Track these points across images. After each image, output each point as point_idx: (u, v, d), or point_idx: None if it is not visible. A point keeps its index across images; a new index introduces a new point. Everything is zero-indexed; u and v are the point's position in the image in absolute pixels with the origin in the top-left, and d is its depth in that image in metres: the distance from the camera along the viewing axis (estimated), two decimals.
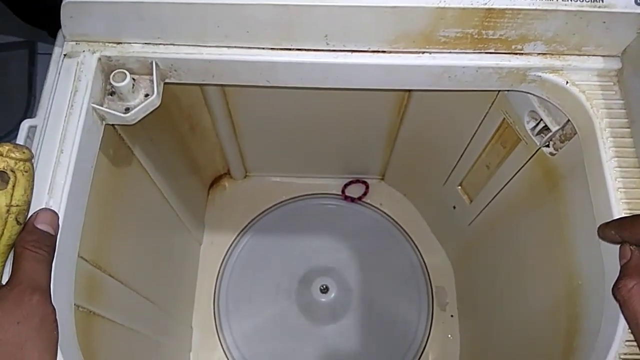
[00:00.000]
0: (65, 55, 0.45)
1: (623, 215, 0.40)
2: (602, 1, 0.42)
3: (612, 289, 0.33)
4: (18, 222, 0.36)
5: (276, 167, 1.00)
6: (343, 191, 1.01)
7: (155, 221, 0.74)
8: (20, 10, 1.31)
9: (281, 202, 1.00)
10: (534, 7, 0.41)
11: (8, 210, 0.35)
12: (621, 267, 0.35)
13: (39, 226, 0.37)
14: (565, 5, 0.41)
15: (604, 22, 0.43)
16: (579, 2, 0.41)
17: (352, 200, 1.00)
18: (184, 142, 0.81)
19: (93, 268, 0.51)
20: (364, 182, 1.01)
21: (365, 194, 1.01)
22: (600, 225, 0.38)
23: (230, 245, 0.95)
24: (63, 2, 0.42)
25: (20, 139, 0.43)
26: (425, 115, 0.73)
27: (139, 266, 0.66)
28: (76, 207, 0.42)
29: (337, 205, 1.00)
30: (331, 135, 0.86)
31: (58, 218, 0.38)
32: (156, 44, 0.46)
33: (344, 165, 0.98)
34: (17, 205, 0.36)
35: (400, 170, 0.95)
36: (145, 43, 0.46)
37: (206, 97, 0.74)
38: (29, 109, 1.39)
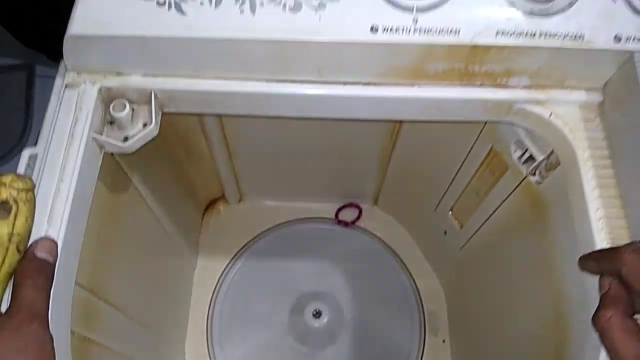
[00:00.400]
0: (66, 85, 0.47)
1: (605, 244, 0.42)
2: (583, 38, 0.43)
3: (592, 318, 0.34)
4: (18, 251, 0.37)
5: (271, 191, 1.01)
6: (336, 215, 1.02)
7: (150, 246, 0.75)
8: (19, 33, 1.33)
9: (275, 226, 1.01)
10: (517, 45, 0.43)
11: (9, 239, 0.36)
12: (600, 297, 0.36)
13: (38, 255, 0.38)
14: (548, 42, 0.43)
15: (585, 58, 0.45)
16: (560, 39, 0.43)
17: (346, 224, 1.01)
18: (180, 167, 0.82)
19: (88, 294, 0.52)
20: (357, 207, 1.02)
21: (358, 218, 1.02)
22: (581, 257, 0.39)
23: (224, 270, 0.95)
24: (66, 35, 0.44)
25: (21, 168, 0.44)
26: (417, 142, 0.75)
27: (133, 292, 0.67)
28: (74, 235, 0.43)
29: (331, 230, 1.01)
30: (325, 161, 0.87)
31: (57, 246, 0.39)
32: (155, 75, 0.47)
33: (337, 189, 1.00)
34: (18, 234, 0.37)
35: (392, 195, 0.97)
36: (145, 74, 0.47)
37: (202, 122, 0.75)
38: (25, 132, 1.40)
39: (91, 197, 0.46)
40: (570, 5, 0.43)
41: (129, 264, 0.65)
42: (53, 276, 0.38)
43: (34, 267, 0.37)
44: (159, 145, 0.65)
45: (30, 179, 0.38)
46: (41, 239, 0.39)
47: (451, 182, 0.76)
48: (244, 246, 0.98)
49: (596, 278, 0.38)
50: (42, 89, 1.43)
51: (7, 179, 0.37)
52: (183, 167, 0.84)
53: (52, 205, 0.41)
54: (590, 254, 0.39)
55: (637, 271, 0.33)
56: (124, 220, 0.62)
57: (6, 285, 0.37)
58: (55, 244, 0.40)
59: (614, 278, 0.35)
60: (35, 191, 0.41)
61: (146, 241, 0.73)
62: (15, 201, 0.37)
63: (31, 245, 0.39)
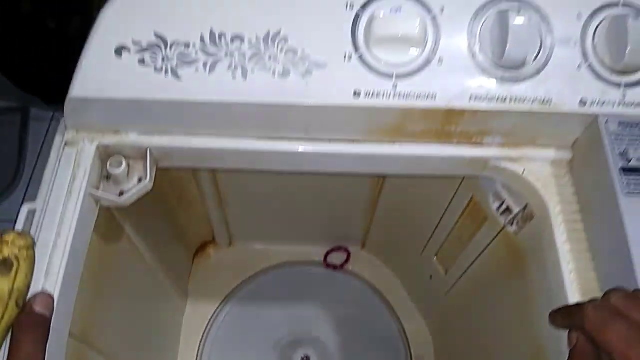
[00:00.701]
0: (66, 143, 0.49)
1: (576, 297, 0.44)
2: (551, 103, 0.47)
3: None
4: (17, 306, 0.38)
5: (261, 235, 1.03)
6: (325, 259, 1.03)
7: (141, 292, 0.76)
8: (16, 76, 1.36)
9: (265, 269, 1.02)
10: (489, 108, 0.46)
11: (9, 295, 0.37)
12: (569, 352, 0.38)
13: (36, 309, 0.39)
14: (518, 106, 0.46)
15: (553, 121, 0.48)
16: (530, 103, 0.47)
17: (334, 268, 1.03)
18: (171, 212, 0.84)
19: (80, 344, 0.53)
20: (346, 250, 1.04)
21: (347, 261, 1.03)
22: (550, 313, 0.41)
23: (213, 314, 0.96)
24: (67, 98, 0.46)
25: (20, 222, 0.46)
26: (401, 191, 0.77)
27: (123, 338, 0.68)
28: (69, 289, 0.45)
29: (319, 273, 1.02)
30: (314, 207, 0.90)
31: (53, 301, 0.41)
32: (151, 133, 0.50)
33: (326, 233, 1.02)
34: (18, 290, 0.38)
35: (380, 239, 0.99)
36: (141, 132, 0.50)
37: (195, 170, 0.78)
38: (18, 173, 1.41)
39: (86, 251, 0.48)
40: (538, 72, 0.46)
41: (119, 311, 0.66)
42: (49, 330, 0.39)
43: (32, 322, 0.38)
44: (152, 193, 0.67)
45: (31, 236, 0.40)
46: (39, 293, 0.41)
47: (435, 229, 0.79)
48: (233, 290, 0.99)
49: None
50: (37, 131, 1.45)
51: (10, 237, 0.38)
52: (174, 212, 0.85)
53: (50, 260, 0.43)
54: (558, 310, 0.41)
55: (599, 326, 0.35)
56: (116, 269, 0.63)
57: (4, 339, 0.38)
58: (52, 298, 0.41)
59: (581, 333, 0.37)
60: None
61: (137, 287, 0.74)
62: (17, 258, 0.38)
63: (29, 299, 0.40)
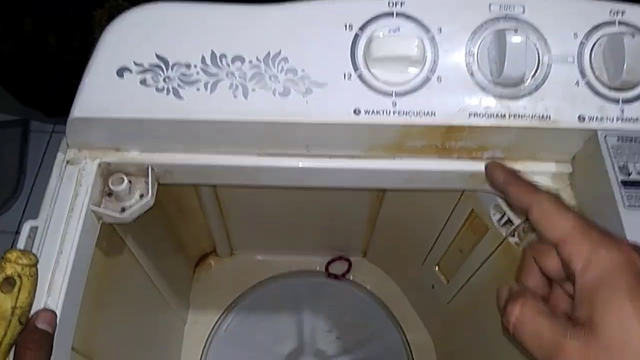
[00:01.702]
0: (67, 161, 0.49)
1: None
2: (549, 119, 0.47)
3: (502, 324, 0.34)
4: (20, 323, 0.39)
5: (262, 245, 1.03)
6: (327, 268, 1.04)
7: (142, 304, 0.76)
8: (16, 90, 1.36)
9: (266, 279, 1.02)
10: (488, 125, 0.46)
11: (12, 312, 0.38)
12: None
13: (39, 326, 0.40)
14: (517, 122, 0.47)
15: (552, 136, 0.48)
16: (529, 120, 0.47)
17: (336, 277, 1.03)
18: (172, 224, 0.84)
19: (83, 358, 0.53)
20: (347, 260, 1.04)
21: (348, 270, 1.04)
22: (491, 164, 0.43)
23: (215, 325, 0.96)
24: (69, 118, 0.47)
25: (22, 239, 0.46)
26: (401, 202, 0.78)
27: (125, 350, 0.68)
28: (72, 305, 0.45)
29: (321, 283, 1.02)
30: (315, 218, 0.90)
31: (56, 317, 0.41)
32: (152, 151, 0.50)
33: (327, 243, 1.02)
34: (21, 307, 0.39)
35: (381, 248, 0.99)
36: (143, 150, 0.50)
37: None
38: (19, 185, 1.42)
39: (88, 267, 0.48)
40: (536, 89, 0.47)
41: (121, 323, 0.67)
42: (52, 346, 0.40)
43: (34, 339, 0.39)
44: (152, 205, 0.67)
45: (35, 255, 0.40)
46: (41, 310, 0.41)
47: (436, 240, 0.79)
48: (234, 300, 0.99)
49: None
50: (37, 143, 1.46)
51: (13, 255, 0.39)
52: (175, 224, 0.86)
53: (52, 277, 0.43)
54: (506, 168, 0.41)
55: (548, 219, 0.34)
56: (118, 282, 0.63)
57: (8, 356, 0.39)
58: (55, 314, 0.41)
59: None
60: None
61: (138, 299, 0.74)
62: (20, 276, 0.39)
63: (32, 316, 0.40)
